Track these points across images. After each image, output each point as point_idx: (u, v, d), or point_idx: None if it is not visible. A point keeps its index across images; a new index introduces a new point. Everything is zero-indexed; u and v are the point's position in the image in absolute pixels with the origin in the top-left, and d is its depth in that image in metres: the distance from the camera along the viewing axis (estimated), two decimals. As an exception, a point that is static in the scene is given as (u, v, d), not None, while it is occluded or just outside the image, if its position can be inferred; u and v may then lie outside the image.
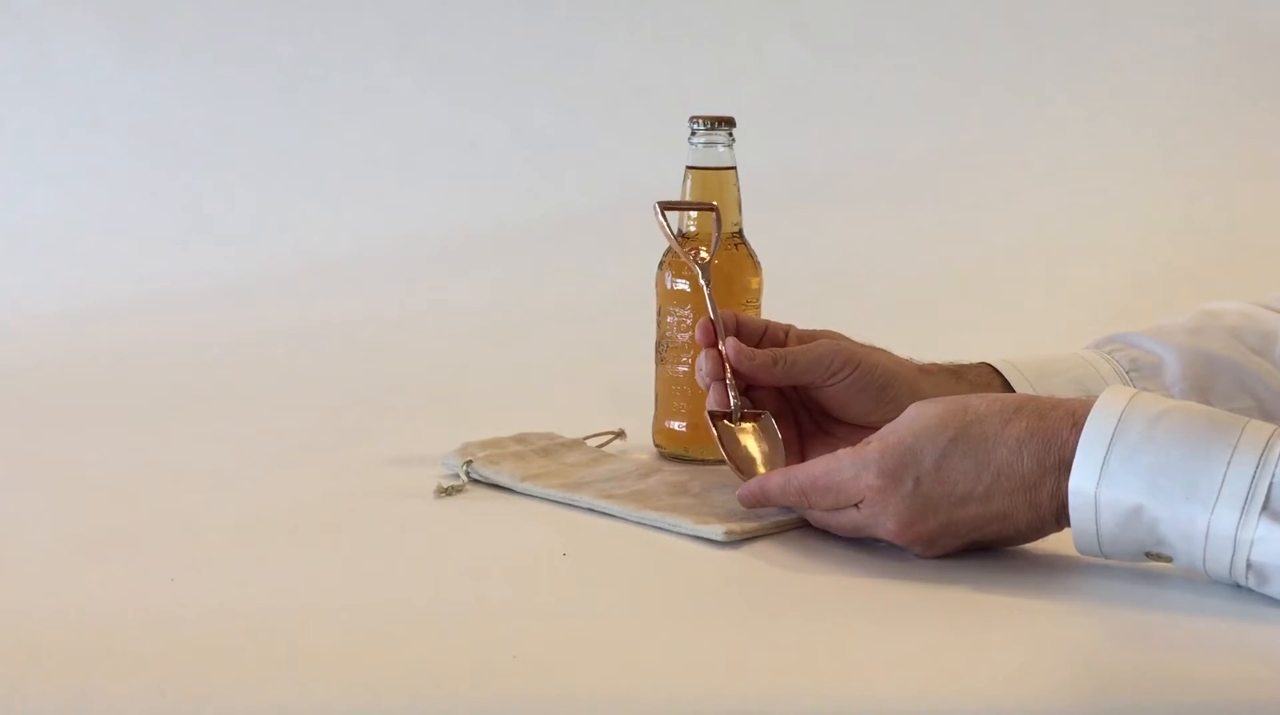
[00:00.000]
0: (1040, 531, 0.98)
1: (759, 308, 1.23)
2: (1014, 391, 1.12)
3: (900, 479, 0.97)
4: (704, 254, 1.18)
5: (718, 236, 1.19)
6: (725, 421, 1.11)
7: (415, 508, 1.11)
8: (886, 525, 0.99)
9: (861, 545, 1.02)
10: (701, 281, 1.15)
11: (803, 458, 1.12)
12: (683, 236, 1.21)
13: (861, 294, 1.72)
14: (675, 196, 1.22)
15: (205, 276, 1.81)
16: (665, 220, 1.18)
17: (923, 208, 1.91)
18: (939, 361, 1.15)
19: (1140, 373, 1.16)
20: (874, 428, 1.04)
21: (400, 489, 1.14)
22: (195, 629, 0.89)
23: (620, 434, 1.26)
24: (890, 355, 1.13)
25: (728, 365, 1.11)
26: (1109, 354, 1.18)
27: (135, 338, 1.66)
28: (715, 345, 1.12)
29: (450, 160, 1.95)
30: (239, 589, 0.95)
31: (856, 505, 1.00)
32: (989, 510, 0.96)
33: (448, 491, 1.13)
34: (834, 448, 1.06)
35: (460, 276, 1.83)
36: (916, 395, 1.09)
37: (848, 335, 1.15)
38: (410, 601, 0.94)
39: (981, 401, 0.98)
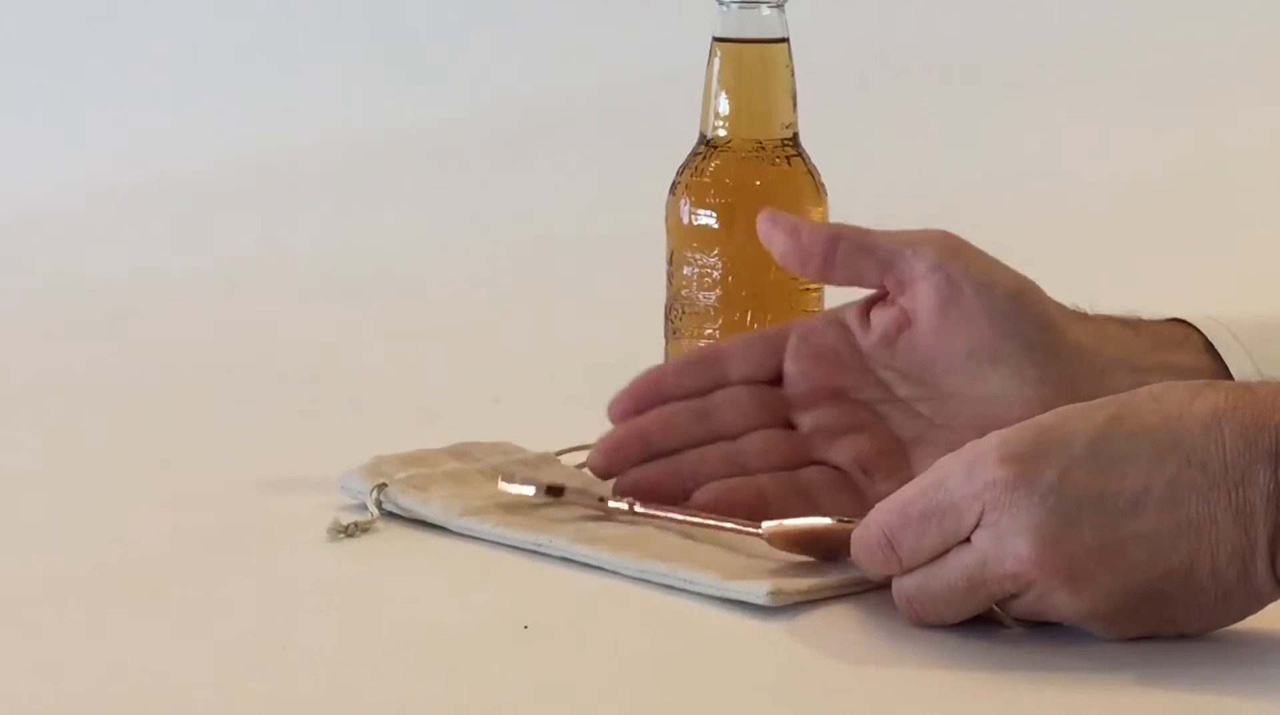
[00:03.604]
0: (1246, 569, 0.91)
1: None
2: (1219, 358, 1.11)
3: (1037, 465, 0.91)
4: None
5: None
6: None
7: (299, 556, 1.07)
8: (1016, 546, 0.91)
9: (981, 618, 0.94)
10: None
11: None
12: (709, 146, 1.18)
13: (970, 228, 1.71)
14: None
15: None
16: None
17: (1065, 100, 1.89)
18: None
19: None
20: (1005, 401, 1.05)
21: (278, 526, 1.11)
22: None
23: (611, 445, 1.13)
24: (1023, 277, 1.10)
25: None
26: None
27: None
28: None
29: (353, 39, 1.97)
30: (34, 681, 0.89)
31: (969, 536, 0.92)
32: (1174, 521, 0.91)
33: (348, 531, 1.10)
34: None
35: (373, 203, 1.83)
36: (1054, 330, 1.08)
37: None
38: (287, 703, 0.89)
39: (1158, 385, 0.94)
